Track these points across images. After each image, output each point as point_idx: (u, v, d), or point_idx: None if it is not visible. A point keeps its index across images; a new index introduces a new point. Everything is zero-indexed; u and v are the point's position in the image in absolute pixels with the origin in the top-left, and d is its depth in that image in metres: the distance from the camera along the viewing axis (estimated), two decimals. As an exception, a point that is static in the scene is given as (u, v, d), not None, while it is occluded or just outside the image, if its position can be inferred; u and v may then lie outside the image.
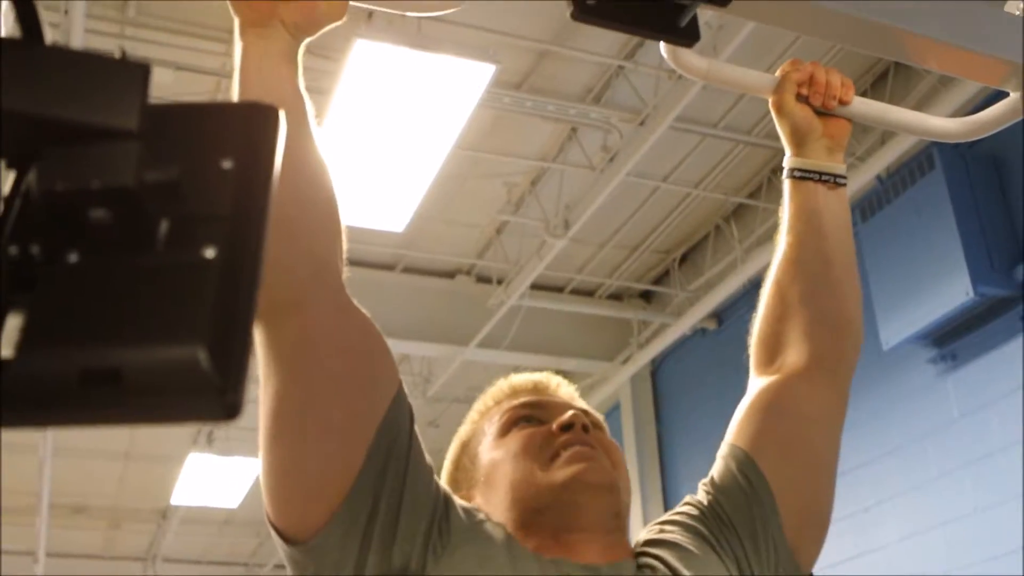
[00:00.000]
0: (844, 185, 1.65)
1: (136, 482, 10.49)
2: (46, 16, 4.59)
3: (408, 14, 1.39)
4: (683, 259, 7.53)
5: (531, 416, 1.45)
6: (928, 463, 5.63)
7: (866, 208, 5.53)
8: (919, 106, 5.29)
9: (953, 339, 5.49)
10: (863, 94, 5.64)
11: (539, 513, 1.35)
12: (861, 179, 5.45)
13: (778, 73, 1.65)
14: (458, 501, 1.35)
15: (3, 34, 0.55)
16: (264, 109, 0.57)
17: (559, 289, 7.63)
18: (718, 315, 7.51)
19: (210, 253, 0.51)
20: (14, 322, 0.50)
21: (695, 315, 7.20)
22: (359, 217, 5.98)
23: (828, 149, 1.64)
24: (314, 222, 1.26)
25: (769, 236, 6.38)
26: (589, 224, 6.50)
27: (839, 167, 1.65)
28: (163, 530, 11.40)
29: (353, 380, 1.26)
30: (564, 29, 5.33)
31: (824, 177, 1.63)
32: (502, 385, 1.54)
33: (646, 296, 8.01)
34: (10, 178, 0.52)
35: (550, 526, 1.34)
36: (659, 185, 6.64)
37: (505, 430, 1.44)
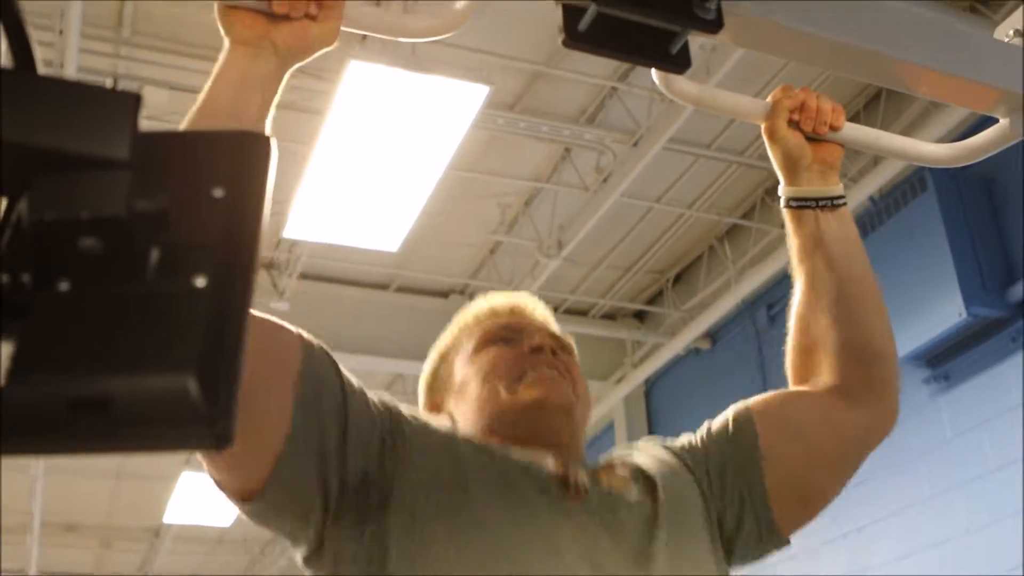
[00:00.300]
0: (844, 205, 1.65)
1: (128, 500, 10.46)
2: (40, 36, 4.60)
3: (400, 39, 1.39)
4: (677, 279, 7.53)
5: (506, 337, 1.54)
6: (922, 483, 5.63)
7: (858, 229, 5.52)
8: (912, 127, 5.31)
9: (946, 360, 5.49)
10: (855, 116, 5.61)
11: (502, 426, 1.46)
12: (854, 200, 5.45)
13: (769, 99, 1.65)
14: (412, 412, 1.43)
15: (-4, 64, 0.55)
16: (255, 138, 0.58)
17: (553, 309, 7.57)
18: (712, 335, 7.51)
19: (200, 282, 0.51)
20: (4, 350, 0.50)
21: (689, 335, 7.20)
22: (353, 237, 5.98)
23: (821, 173, 1.65)
24: None
25: (763, 256, 6.41)
26: (583, 244, 6.51)
27: (835, 189, 1.65)
28: (155, 549, 11.37)
29: (259, 368, 1.24)
30: (557, 51, 5.35)
31: (822, 202, 1.63)
32: (482, 304, 1.63)
33: (640, 316, 8.01)
34: (1, 207, 0.52)
35: (510, 437, 1.44)
36: (652, 206, 6.65)
37: (480, 347, 1.54)
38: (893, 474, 5.75)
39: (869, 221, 5.59)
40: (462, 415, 1.51)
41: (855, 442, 1.59)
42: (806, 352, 1.61)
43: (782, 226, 1.70)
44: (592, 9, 1.23)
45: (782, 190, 1.66)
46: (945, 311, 5.14)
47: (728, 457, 1.54)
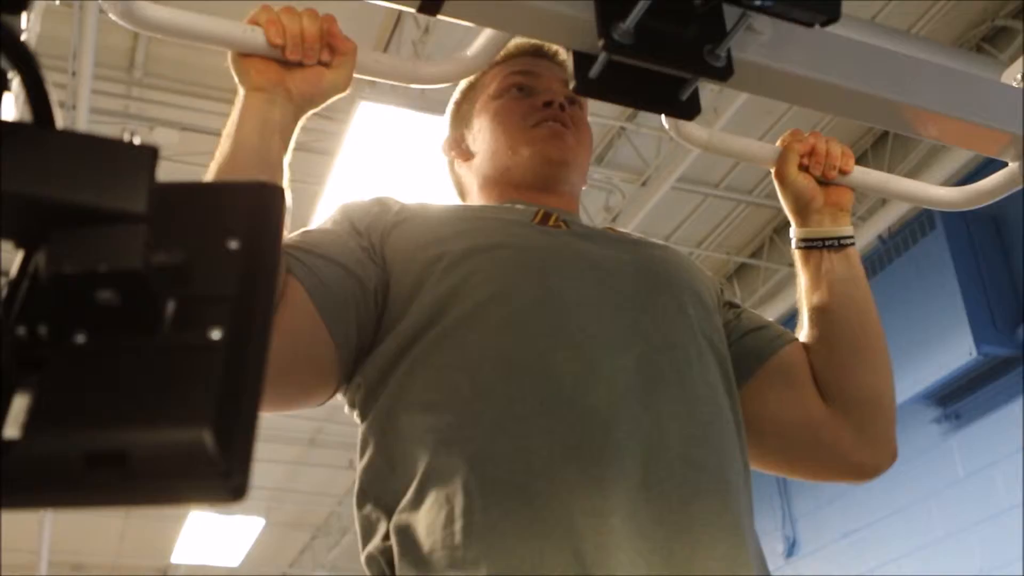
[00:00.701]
0: (851, 245, 1.66)
1: (136, 540, 10.43)
2: (53, 78, 4.64)
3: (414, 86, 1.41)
4: (686, 318, 7.51)
5: (523, 85, 1.62)
6: (933, 524, 5.59)
7: (868, 268, 5.46)
8: (919, 168, 5.32)
9: (957, 399, 5.47)
10: (863, 156, 5.62)
11: (507, 170, 1.58)
12: (863, 239, 5.46)
13: (779, 143, 1.66)
14: (402, 206, 1.50)
15: (14, 118, 0.55)
16: (269, 189, 0.58)
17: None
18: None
19: (216, 335, 0.51)
20: (21, 402, 0.50)
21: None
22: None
23: (832, 215, 1.65)
24: None
25: (772, 295, 6.41)
26: (592, 283, 6.51)
27: (844, 230, 1.65)
28: (163, 589, 11.32)
29: (295, 341, 1.32)
30: (567, 90, 5.37)
31: (828, 242, 1.64)
32: (508, 44, 1.67)
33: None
34: (18, 259, 0.53)
35: (512, 182, 1.58)
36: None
37: (499, 93, 1.63)
38: (905, 515, 5.72)
39: (878, 260, 5.59)
40: (476, 160, 1.63)
41: (824, 465, 1.58)
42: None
43: (791, 265, 1.71)
44: (603, 57, 1.24)
45: (793, 231, 1.67)
46: (956, 350, 5.13)
47: (752, 331, 1.57)
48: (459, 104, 1.72)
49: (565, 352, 1.28)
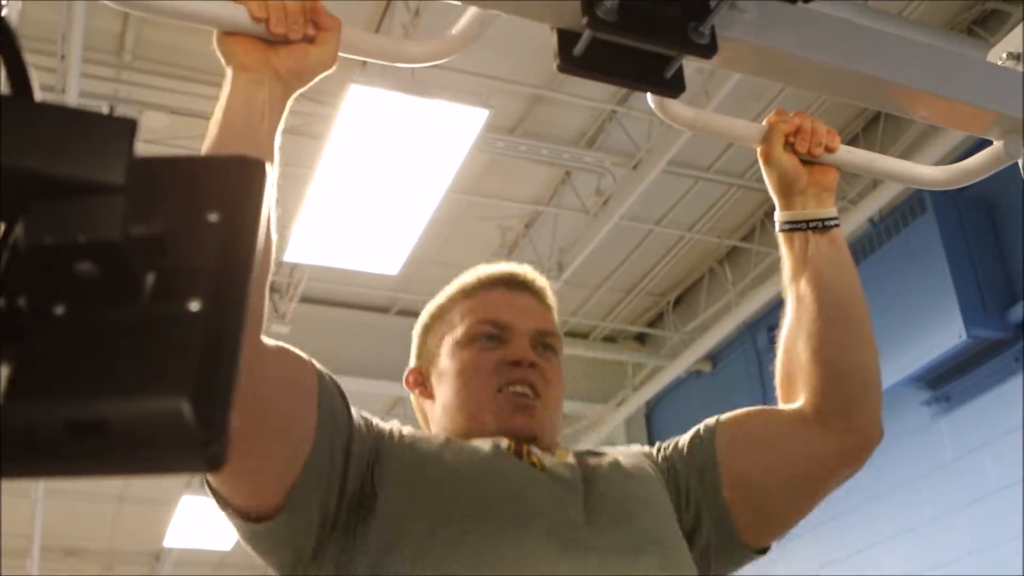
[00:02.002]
0: (835, 227, 1.66)
1: (129, 524, 10.43)
2: (42, 62, 4.63)
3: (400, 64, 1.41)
4: (677, 302, 7.53)
5: (492, 335, 1.59)
6: (923, 506, 5.62)
7: (858, 251, 5.54)
8: (909, 151, 5.32)
9: (947, 381, 5.49)
10: (853, 140, 5.64)
11: (469, 432, 1.54)
12: (853, 222, 5.46)
13: (765, 123, 1.66)
14: (390, 429, 1.49)
15: (-5, 91, 0.55)
16: (250, 162, 0.58)
17: (553, 332, 7.61)
18: (712, 357, 7.51)
19: (195, 306, 0.52)
20: (0, 373, 0.50)
21: (690, 357, 7.19)
22: (354, 260, 5.98)
23: (816, 196, 1.65)
24: None
25: (763, 279, 6.42)
26: (583, 267, 6.52)
27: (828, 211, 1.65)
28: (156, 573, 11.33)
29: (285, 396, 1.35)
30: (557, 74, 5.33)
31: (812, 224, 1.64)
32: (480, 273, 1.68)
33: (640, 339, 8.01)
34: (-2, 231, 0.53)
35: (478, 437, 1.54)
36: (653, 228, 6.66)
37: (466, 341, 1.59)
38: (894, 496, 5.74)
39: (868, 243, 5.60)
40: (439, 404, 1.61)
41: (821, 467, 1.60)
42: (790, 377, 1.62)
43: (781, 247, 1.71)
44: (587, 34, 1.24)
45: (777, 214, 1.67)
46: (945, 332, 5.14)
47: (690, 464, 1.59)
48: (425, 334, 1.69)
49: None
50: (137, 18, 4.86)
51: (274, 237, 1.30)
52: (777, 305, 1.67)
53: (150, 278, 0.52)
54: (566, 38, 1.27)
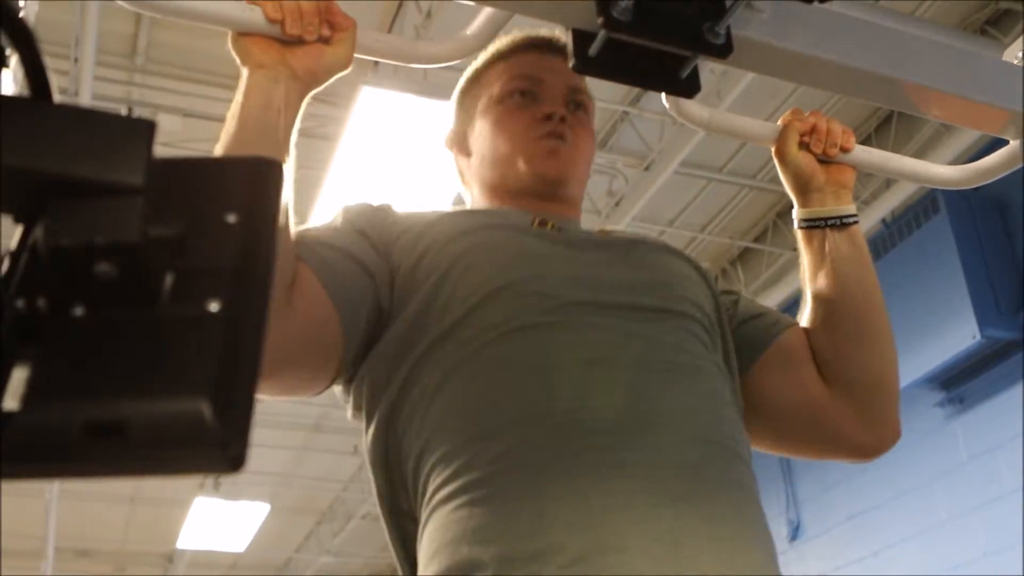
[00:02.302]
0: (854, 223, 1.65)
1: (142, 526, 10.47)
2: (55, 64, 4.64)
3: (413, 65, 1.41)
4: (689, 303, 7.52)
5: (526, 90, 1.63)
6: (937, 507, 5.60)
7: (871, 252, 5.45)
8: (923, 150, 5.31)
9: (960, 382, 5.47)
10: (866, 139, 5.61)
11: (504, 179, 1.60)
12: (866, 223, 5.45)
13: (780, 122, 1.66)
14: (395, 218, 1.52)
15: (12, 92, 0.55)
16: (267, 163, 0.58)
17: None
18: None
19: (214, 307, 0.52)
20: (20, 374, 0.50)
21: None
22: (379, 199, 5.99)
23: (834, 194, 1.65)
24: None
25: (775, 280, 6.41)
26: (595, 268, 6.51)
27: (846, 208, 1.65)
28: (169, 574, 11.36)
29: (303, 325, 1.34)
30: (569, 75, 5.36)
31: (831, 221, 1.63)
32: (515, 37, 1.70)
33: (653, 340, 7.99)
34: (17, 233, 0.53)
35: (510, 191, 1.60)
36: (665, 230, 6.65)
37: (501, 97, 1.64)
38: (908, 498, 5.73)
39: (882, 243, 5.59)
40: (476, 157, 1.66)
41: (831, 442, 1.58)
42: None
43: (794, 249, 1.70)
44: (602, 35, 1.24)
45: (795, 212, 1.67)
46: (959, 333, 5.13)
47: (744, 329, 1.58)
48: (462, 97, 1.73)
49: (569, 358, 1.33)
50: (150, 20, 4.88)
51: (292, 228, 1.31)
52: (790, 306, 1.67)
53: (169, 279, 0.52)
54: (581, 38, 1.27)
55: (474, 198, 1.67)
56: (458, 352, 1.34)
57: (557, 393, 1.28)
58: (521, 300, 1.36)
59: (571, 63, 1.29)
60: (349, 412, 1.46)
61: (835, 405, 1.55)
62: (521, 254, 1.44)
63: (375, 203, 1.54)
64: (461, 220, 1.50)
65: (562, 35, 1.61)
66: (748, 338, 1.57)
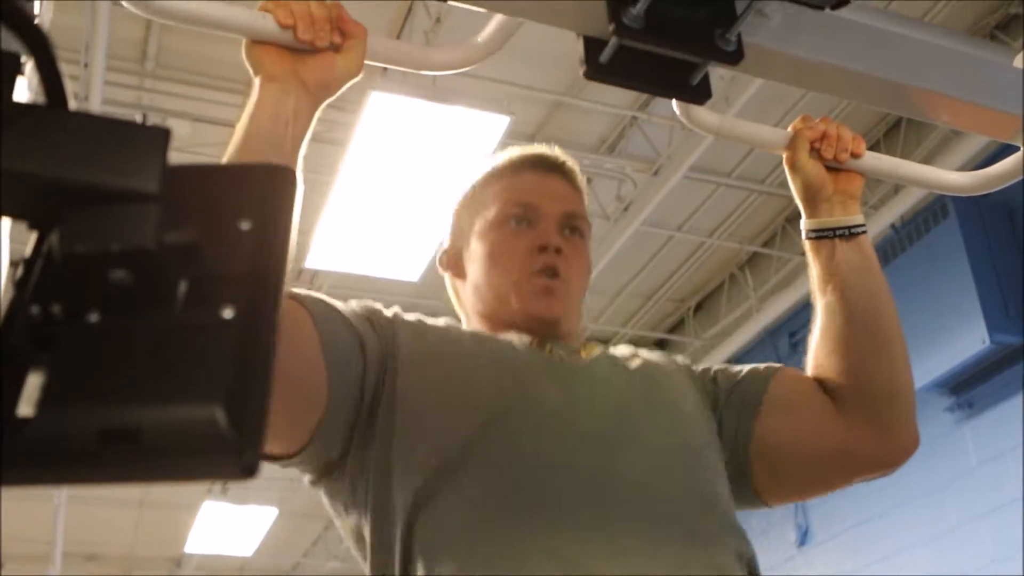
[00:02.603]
0: (863, 233, 1.65)
1: (150, 530, 10.47)
2: (66, 69, 4.64)
3: (423, 72, 1.41)
4: (698, 307, 7.52)
5: (521, 217, 1.61)
6: (946, 512, 5.59)
7: (880, 257, 5.41)
8: (932, 156, 5.30)
9: (970, 387, 5.46)
10: (875, 145, 5.59)
11: (496, 313, 1.59)
12: (875, 228, 5.44)
13: (790, 129, 1.65)
14: (403, 318, 1.52)
15: (28, 99, 0.56)
16: (282, 171, 0.59)
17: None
18: (734, 363, 7.47)
19: (228, 313, 0.52)
20: (35, 381, 0.50)
21: (710, 363, 7.16)
22: (374, 267, 5.99)
23: (842, 203, 1.64)
24: None
25: (784, 284, 6.40)
26: (604, 273, 6.51)
27: (855, 218, 1.64)
28: (177, 579, 11.36)
29: (288, 358, 1.31)
30: (578, 81, 5.36)
31: (839, 231, 1.63)
32: (512, 156, 1.70)
33: (661, 344, 7.99)
34: (32, 239, 0.53)
35: (503, 322, 1.58)
36: (673, 234, 6.65)
37: (497, 223, 1.62)
38: (918, 504, 5.71)
39: (891, 248, 5.58)
40: (469, 284, 1.65)
41: (849, 462, 1.58)
42: (820, 385, 1.60)
43: (803, 254, 1.70)
44: (613, 42, 1.24)
45: (803, 222, 1.66)
46: (968, 338, 5.11)
47: (736, 396, 1.59)
48: (459, 213, 1.72)
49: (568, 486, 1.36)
50: (160, 26, 4.89)
51: (294, 244, 1.30)
52: (798, 311, 1.67)
53: (183, 286, 0.53)
54: (592, 45, 1.28)
55: (469, 321, 1.67)
56: (459, 490, 1.34)
57: (555, 530, 1.31)
58: (519, 439, 1.38)
59: (582, 70, 1.29)
60: (324, 500, 1.49)
61: (851, 429, 1.54)
62: (521, 380, 1.45)
63: (381, 307, 1.54)
64: (464, 345, 1.51)
65: (560, 153, 1.67)
66: (738, 407, 1.58)
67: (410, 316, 1.54)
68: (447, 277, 1.73)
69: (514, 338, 1.53)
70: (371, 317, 1.46)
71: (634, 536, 1.31)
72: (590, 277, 1.68)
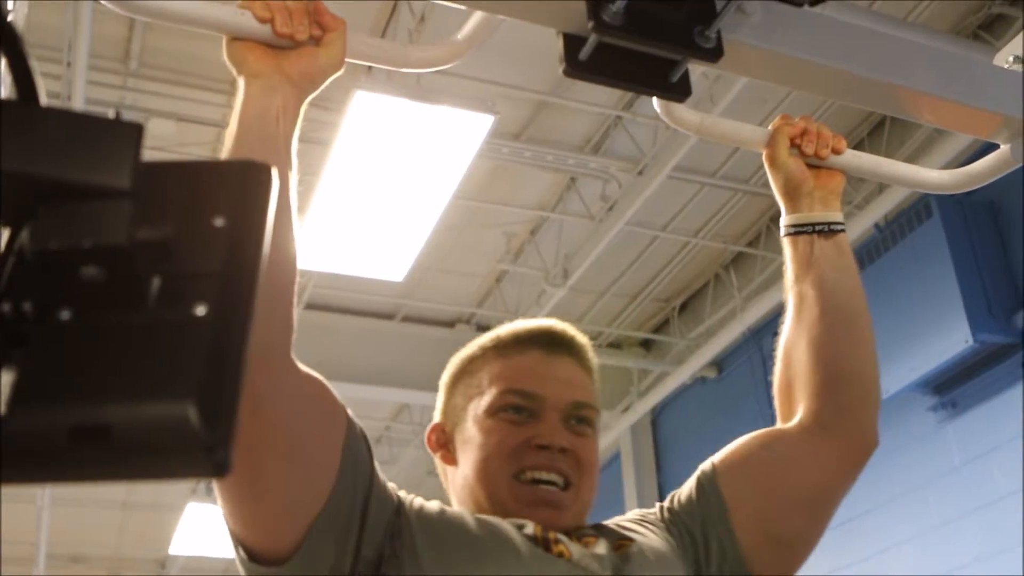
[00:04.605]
0: (841, 231, 1.65)
1: (135, 531, 10.44)
2: (48, 68, 4.63)
3: (404, 70, 1.41)
4: (683, 307, 7.53)
5: (521, 407, 1.48)
6: (930, 512, 5.60)
7: (864, 256, 5.53)
8: (916, 155, 5.32)
9: (953, 387, 5.47)
10: (859, 144, 5.61)
11: (494, 510, 1.44)
12: (859, 227, 5.45)
13: (770, 127, 1.66)
14: (411, 502, 1.41)
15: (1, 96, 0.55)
16: (257, 167, 0.58)
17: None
18: (718, 363, 7.50)
19: (201, 310, 0.51)
20: (5, 379, 0.50)
21: (695, 363, 7.18)
22: (359, 267, 5.99)
23: (823, 199, 1.65)
24: (268, 303, 1.19)
25: (768, 284, 6.41)
26: (588, 273, 6.52)
27: (834, 215, 1.64)
28: (162, 580, 11.33)
29: (310, 419, 1.29)
30: (562, 80, 5.36)
31: (818, 227, 1.63)
32: (517, 329, 1.58)
33: (646, 345, 8.00)
34: (4, 236, 0.53)
35: (501, 515, 1.43)
36: (658, 234, 6.66)
37: (493, 409, 1.49)
38: (901, 503, 5.73)
39: (874, 248, 5.59)
40: (460, 475, 1.51)
41: (826, 477, 1.56)
42: (789, 384, 1.60)
43: (788, 253, 1.70)
44: (592, 39, 1.24)
45: (782, 218, 1.66)
46: (952, 338, 5.13)
47: (698, 518, 1.51)
48: (452, 385, 1.60)
49: None
50: (143, 25, 4.87)
51: (296, 236, 1.30)
52: (783, 311, 1.66)
53: (156, 283, 0.52)
54: (572, 42, 1.27)
55: (460, 504, 1.52)
56: None
57: None
58: None
59: (562, 67, 1.29)
60: None
61: (817, 448, 1.53)
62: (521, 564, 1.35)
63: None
64: (463, 533, 1.38)
65: (569, 328, 1.57)
66: (704, 511, 1.51)
67: (415, 500, 1.43)
68: (436, 457, 1.58)
69: (517, 531, 1.40)
70: (385, 482, 1.38)
71: None
72: (598, 474, 1.53)
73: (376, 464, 1.37)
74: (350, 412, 1.35)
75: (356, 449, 1.32)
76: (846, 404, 1.55)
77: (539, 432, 1.46)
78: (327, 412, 1.31)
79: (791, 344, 1.60)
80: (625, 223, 6.02)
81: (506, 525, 1.40)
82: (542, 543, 1.38)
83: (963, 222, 5.36)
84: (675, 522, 1.53)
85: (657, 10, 1.23)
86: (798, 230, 1.63)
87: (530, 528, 1.40)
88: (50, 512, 8.82)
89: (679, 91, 1.33)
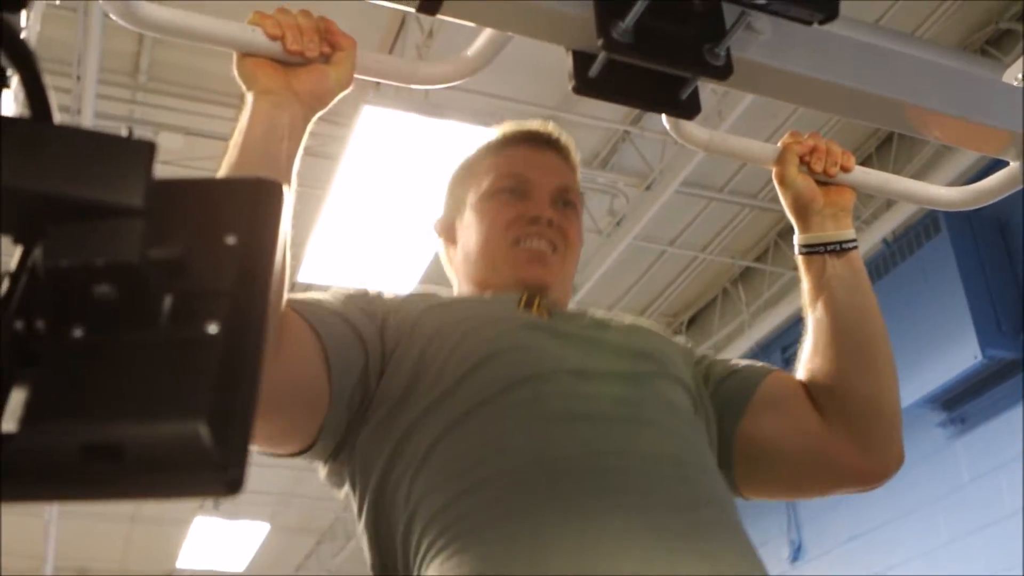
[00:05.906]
0: (853, 248, 1.65)
1: (142, 545, 10.44)
2: (58, 83, 4.65)
3: (414, 87, 1.42)
4: (691, 322, 7.52)
5: (514, 189, 1.64)
6: (939, 528, 5.58)
7: (872, 272, 5.52)
8: (923, 171, 5.31)
9: (962, 403, 5.46)
10: (867, 160, 5.60)
11: (486, 280, 1.62)
12: (867, 242, 5.44)
13: (779, 144, 1.66)
14: (388, 298, 1.54)
15: (13, 113, 0.55)
16: (268, 185, 0.58)
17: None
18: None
19: (213, 329, 0.51)
20: (18, 396, 0.50)
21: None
22: (367, 280, 5.99)
23: (834, 217, 1.65)
24: None
25: (777, 299, 6.40)
26: (596, 288, 6.51)
27: (846, 233, 1.64)
28: (168, 594, 11.32)
29: (295, 375, 1.34)
30: (570, 95, 5.33)
31: (830, 247, 1.63)
32: (507, 130, 1.74)
33: (654, 359, 7.98)
34: (17, 253, 0.53)
35: (495, 288, 1.61)
36: (666, 249, 6.65)
37: (490, 194, 1.65)
38: (910, 519, 5.71)
39: (883, 263, 5.58)
40: (461, 251, 1.68)
41: (832, 475, 1.58)
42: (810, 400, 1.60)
43: (795, 268, 1.70)
44: (602, 56, 1.24)
45: (795, 237, 1.67)
46: (961, 353, 5.11)
47: (726, 387, 1.59)
48: (453, 185, 1.75)
49: (555, 414, 1.36)
50: (152, 40, 4.89)
51: (288, 258, 1.30)
52: (791, 326, 1.66)
53: (168, 301, 0.52)
54: (581, 60, 1.28)
55: (460, 286, 1.69)
56: (445, 419, 1.35)
57: (545, 444, 1.31)
58: (506, 368, 1.39)
59: (571, 84, 1.29)
60: (341, 493, 1.49)
61: (834, 439, 1.54)
62: (508, 330, 1.47)
63: (369, 288, 1.56)
64: (451, 310, 1.52)
65: (554, 129, 1.71)
66: (729, 396, 1.57)
67: (390, 296, 1.56)
68: (440, 243, 1.76)
69: (501, 297, 1.57)
70: (364, 307, 1.47)
71: (662, 508, 1.29)
72: (581, 249, 1.71)
73: (352, 316, 1.42)
74: (308, 317, 1.37)
75: (338, 351, 1.37)
76: (863, 427, 1.54)
77: (530, 207, 1.62)
78: (301, 351, 1.34)
79: (808, 364, 1.60)
80: (633, 238, 6.01)
81: (487, 294, 1.60)
82: (525, 305, 1.55)
83: (971, 237, 5.36)
84: (706, 367, 1.63)
85: (667, 28, 1.23)
86: (811, 250, 1.64)
87: (514, 295, 1.56)
88: (57, 526, 8.82)
89: (688, 109, 1.33)
